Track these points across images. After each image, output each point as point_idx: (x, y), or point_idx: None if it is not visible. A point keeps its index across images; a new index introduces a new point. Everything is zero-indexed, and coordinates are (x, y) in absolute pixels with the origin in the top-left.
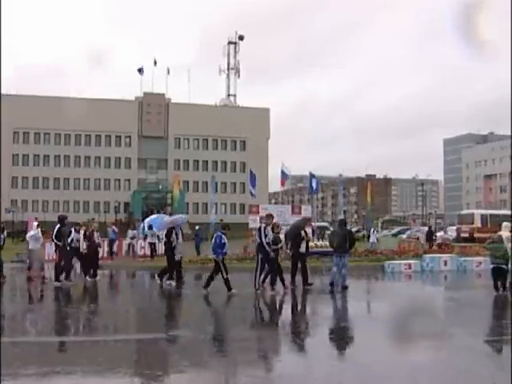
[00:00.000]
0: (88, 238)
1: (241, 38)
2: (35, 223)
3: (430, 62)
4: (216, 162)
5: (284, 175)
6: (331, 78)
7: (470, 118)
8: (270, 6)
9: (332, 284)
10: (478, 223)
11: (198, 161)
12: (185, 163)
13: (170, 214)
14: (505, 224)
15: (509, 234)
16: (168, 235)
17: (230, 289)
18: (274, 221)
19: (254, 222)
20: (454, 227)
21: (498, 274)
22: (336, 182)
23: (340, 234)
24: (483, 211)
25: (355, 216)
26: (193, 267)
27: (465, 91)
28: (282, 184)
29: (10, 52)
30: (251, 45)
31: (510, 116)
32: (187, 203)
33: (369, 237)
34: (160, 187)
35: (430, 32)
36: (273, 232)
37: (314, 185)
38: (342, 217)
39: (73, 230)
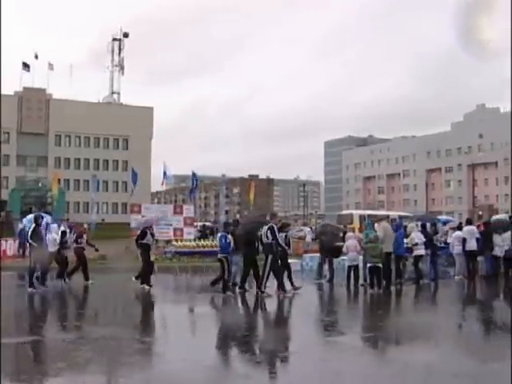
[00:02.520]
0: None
1: (125, 35)
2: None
3: (317, 68)
4: (98, 160)
5: (165, 175)
6: (222, 81)
7: (351, 122)
8: (166, 8)
9: (237, 283)
10: (356, 223)
11: (79, 159)
12: (66, 161)
13: (48, 213)
14: (376, 225)
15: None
16: (142, 236)
17: (226, 290)
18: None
19: (135, 221)
20: None
21: (375, 272)
22: (220, 182)
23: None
24: (361, 211)
25: (238, 216)
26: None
27: (347, 96)
28: (163, 184)
29: None
30: (146, 46)
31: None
32: (68, 202)
33: None
34: (40, 185)
35: (320, 39)
36: (281, 231)
37: (195, 184)
38: (226, 217)
39: (67, 229)
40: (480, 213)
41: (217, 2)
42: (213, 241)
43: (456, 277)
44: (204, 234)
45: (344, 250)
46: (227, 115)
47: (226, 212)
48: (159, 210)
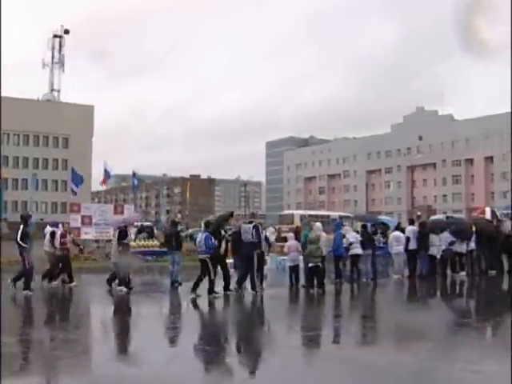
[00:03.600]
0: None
1: (66, 31)
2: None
3: (261, 69)
4: (37, 158)
5: (106, 174)
6: (167, 81)
7: (293, 123)
8: (110, 7)
9: (174, 282)
10: (297, 223)
11: (17, 157)
12: (4, 160)
13: None
14: (316, 225)
15: (324, 234)
16: (123, 235)
17: (212, 291)
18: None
19: (75, 220)
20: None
21: (315, 272)
22: (161, 181)
23: (170, 233)
24: (302, 211)
25: (179, 215)
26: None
27: (290, 97)
28: (104, 183)
29: None
30: (90, 44)
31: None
32: (5, 201)
33: (191, 236)
34: None
35: (264, 40)
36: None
37: (135, 184)
38: (173, 218)
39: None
40: (418, 213)
41: (160, 2)
42: (153, 241)
43: (394, 276)
44: (146, 233)
45: (285, 249)
46: (171, 115)
47: (168, 212)
48: (99, 209)
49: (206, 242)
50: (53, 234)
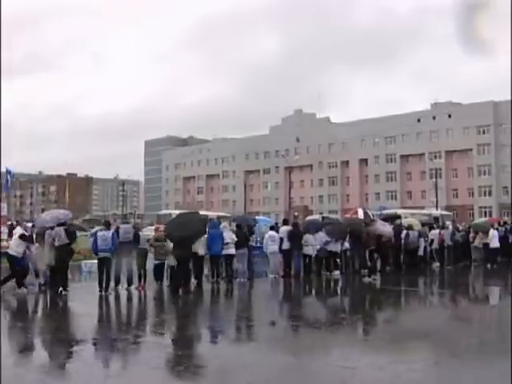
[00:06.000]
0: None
1: None
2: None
3: (146, 70)
4: None
5: None
6: (49, 80)
7: (173, 122)
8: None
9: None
10: None
11: None
12: None
13: None
14: None
15: None
16: (70, 235)
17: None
18: None
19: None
20: (153, 227)
21: (161, 269)
22: (36, 179)
23: None
24: (180, 212)
25: None
26: None
27: (171, 98)
28: None
29: None
30: None
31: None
32: None
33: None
34: None
35: (152, 42)
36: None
37: (8, 181)
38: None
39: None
40: (296, 213)
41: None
42: None
43: (270, 275)
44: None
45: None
46: (51, 113)
47: (43, 210)
48: None
49: (113, 241)
50: (23, 237)
